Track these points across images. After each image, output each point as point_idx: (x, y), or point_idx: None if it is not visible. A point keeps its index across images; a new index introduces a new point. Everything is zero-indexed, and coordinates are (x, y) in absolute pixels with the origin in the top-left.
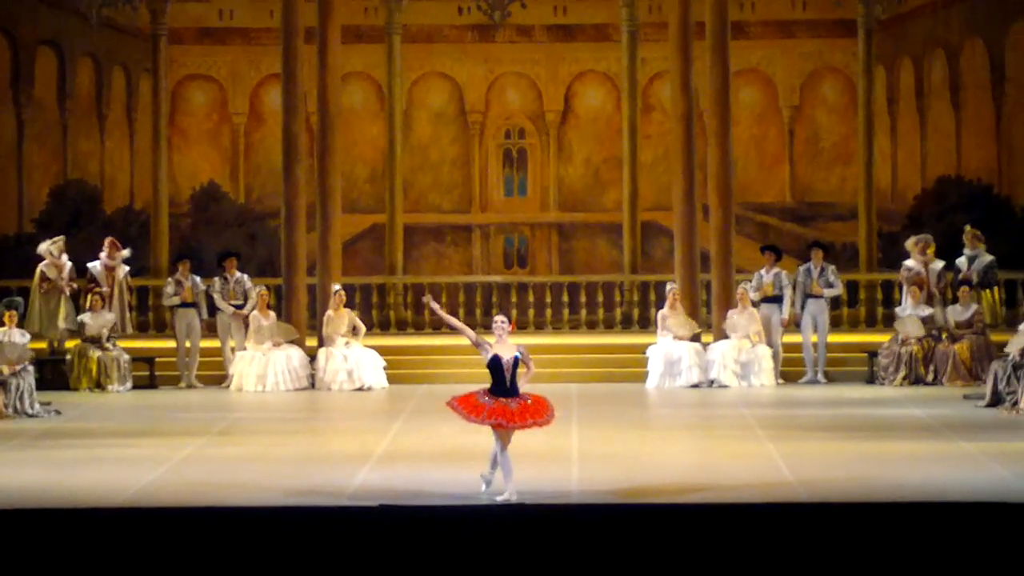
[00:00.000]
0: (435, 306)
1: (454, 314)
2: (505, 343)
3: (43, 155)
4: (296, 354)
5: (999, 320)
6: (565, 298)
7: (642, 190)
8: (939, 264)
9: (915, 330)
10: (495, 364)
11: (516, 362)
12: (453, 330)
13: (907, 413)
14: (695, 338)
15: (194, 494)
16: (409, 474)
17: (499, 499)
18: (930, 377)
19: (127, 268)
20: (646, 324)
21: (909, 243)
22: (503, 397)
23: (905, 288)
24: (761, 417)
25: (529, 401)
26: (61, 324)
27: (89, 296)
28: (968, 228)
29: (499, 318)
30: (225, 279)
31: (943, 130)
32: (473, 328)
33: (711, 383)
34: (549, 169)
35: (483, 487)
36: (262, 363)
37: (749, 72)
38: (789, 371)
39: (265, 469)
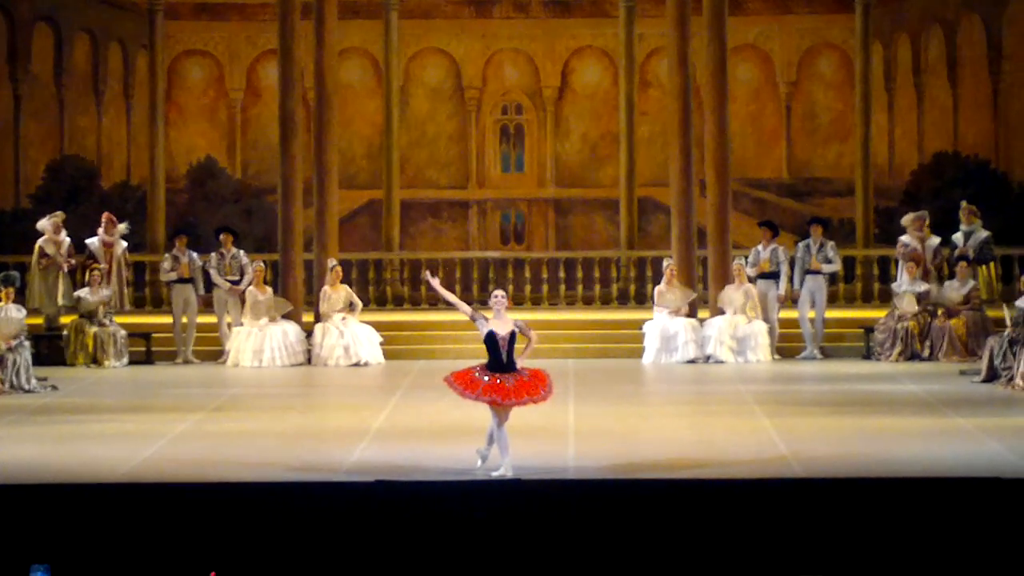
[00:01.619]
0: (434, 282)
1: (451, 290)
2: (503, 318)
3: (40, 131)
4: (292, 329)
5: (995, 296)
6: (562, 274)
7: (639, 166)
8: (935, 240)
9: (910, 306)
10: (491, 339)
11: (513, 337)
12: (450, 306)
13: (903, 389)
14: (692, 312)
15: (190, 469)
16: (406, 449)
17: (495, 474)
18: (926, 353)
19: (125, 244)
20: (642, 300)
21: (906, 219)
22: (499, 373)
23: (901, 264)
24: (757, 393)
25: (526, 376)
26: (60, 300)
27: (87, 272)
28: (964, 204)
29: (498, 292)
30: (222, 255)
31: (940, 106)
32: (469, 304)
33: (707, 359)
34: (546, 145)
35: (479, 462)
36: (258, 338)
37: (746, 48)
38: (785, 347)
39: (262, 444)
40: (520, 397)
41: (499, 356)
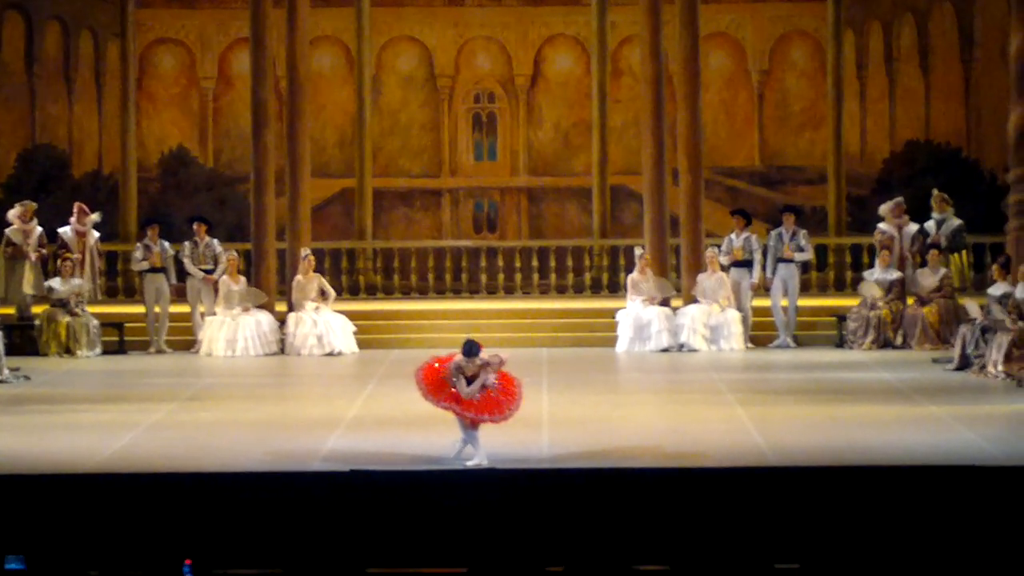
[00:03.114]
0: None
1: (424, 279)
2: (476, 366)
3: (10, 120)
4: (266, 319)
5: (967, 284)
6: (535, 262)
7: (611, 154)
8: (913, 227)
9: (874, 292)
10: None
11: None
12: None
13: (876, 377)
14: (665, 301)
15: (164, 459)
16: (380, 439)
17: (469, 464)
18: (899, 341)
19: (97, 234)
20: (615, 288)
21: (883, 208)
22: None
23: (877, 251)
24: (731, 381)
25: (494, 391)
26: (26, 289)
27: (59, 261)
28: (936, 192)
29: (469, 359)
30: (195, 244)
31: (912, 94)
32: (442, 292)
33: (681, 347)
34: (519, 133)
35: (456, 449)
36: (231, 328)
37: (718, 36)
38: (758, 335)
39: (235, 434)
40: (479, 412)
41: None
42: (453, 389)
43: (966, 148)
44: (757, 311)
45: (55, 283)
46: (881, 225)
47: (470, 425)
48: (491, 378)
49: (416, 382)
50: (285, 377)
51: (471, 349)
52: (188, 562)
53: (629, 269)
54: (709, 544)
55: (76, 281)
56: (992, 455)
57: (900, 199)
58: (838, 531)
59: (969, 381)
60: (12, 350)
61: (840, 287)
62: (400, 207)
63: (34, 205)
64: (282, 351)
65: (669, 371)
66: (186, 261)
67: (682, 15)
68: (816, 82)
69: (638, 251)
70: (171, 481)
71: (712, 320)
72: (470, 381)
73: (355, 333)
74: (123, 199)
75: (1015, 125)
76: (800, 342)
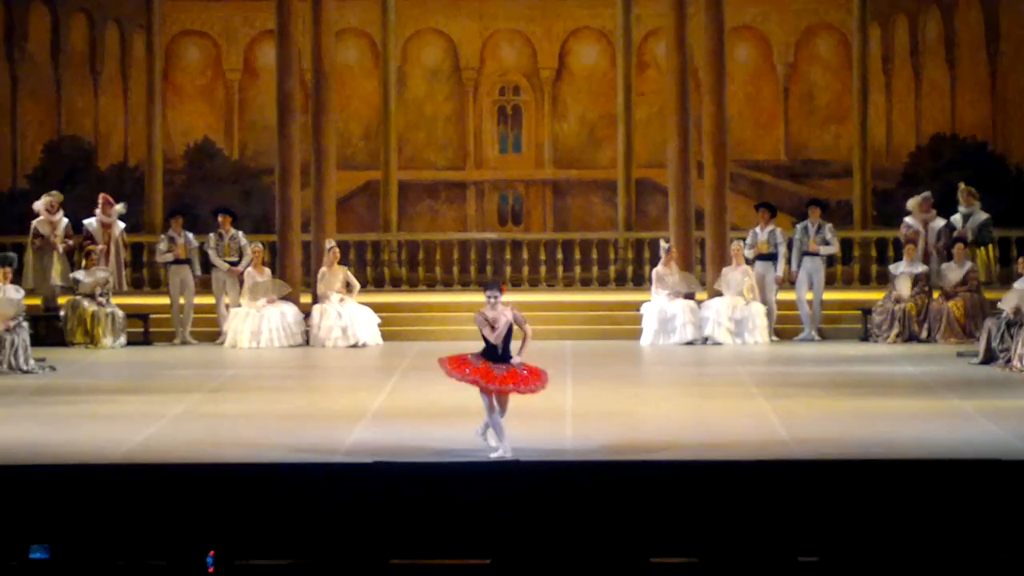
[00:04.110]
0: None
1: (449, 272)
2: (497, 310)
3: (37, 111)
4: (290, 311)
5: (993, 277)
6: (559, 255)
7: (637, 147)
8: (940, 222)
9: (903, 288)
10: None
11: (510, 330)
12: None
13: (901, 370)
14: (690, 294)
15: (189, 450)
16: (404, 431)
17: (493, 456)
18: (924, 334)
19: (123, 225)
20: (640, 281)
21: (911, 203)
22: (492, 361)
23: (903, 245)
24: (755, 374)
25: (520, 370)
26: (55, 280)
27: (85, 253)
28: (963, 185)
29: (489, 293)
30: (220, 236)
31: (938, 87)
32: (467, 285)
33: (705, 340)
34: (544, 126)
35: (481, 438)
36: (256, 320)
37: (744, 29)
38: (783, 328)
39: (260, 425)
40: (505, 384)
41: (494, 346)
42: (477, 365)
43: (992, 142)
44: (782, 304)
45: (80, 275)
46: (908, 219)
47: (495, 402)
48: (518, 359)
49: (440, 366)
50: (309, 369)
51: (491, 284)
52: (212, 553)
53: (654, 262)
54: (733, 537)
55: (101, 273)
56: (1017, 449)
57: (928, 194)
58: (862, 524)
59: (994, 375)
60: (37, 341)
61: (865, 281)
62: (425, 199)
63: (60, 196)
64: (307, 343)
65: (693, 364)
66: (211, 253)
67: (707, 8)
68: (842, 75)
69: (664, 244)
70: (195, 472)
71: (737, 313)
72: (494, 329)
73: (380, 325)
74: (148, 191)
75: None
76: (825, 335)
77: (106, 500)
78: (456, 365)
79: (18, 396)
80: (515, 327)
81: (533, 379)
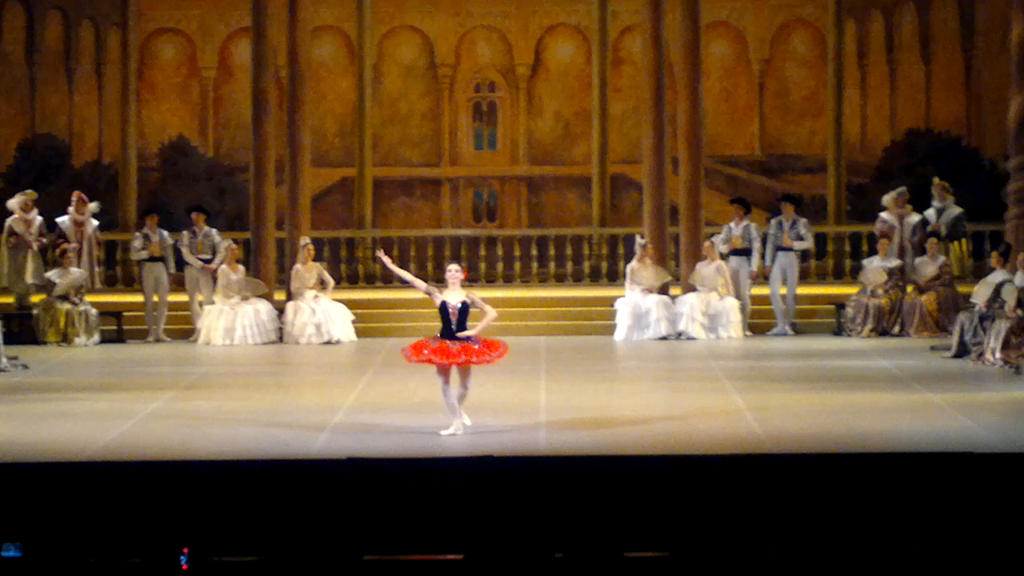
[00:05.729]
0: (386, 260)
1: (423, 269)
2: (456, 290)
3: (11, 109)
4: (264, 308)
5: (967, 272)
6: (534, 251)
7: (612, 143)
8: (915, 218)
9: (877, 279)
10: (443, 309)
11: (465, 308)
12: (405, 284)
13: (874, 364)
14: (664, 289)
15: (162, 448)
16: (377, 426)
17: (444, 432)
18: (897, 329)
19: (96, 223)
20: (614, 277)
21: (887, 198)
22: (447, 339)
23: (877, 240)
24: (729, 369)
25: (476, 345)
26: (28, 279)
27: (59, 251)
28: (936, 180)
29: (452, 266)
30: (194, 233)
31: (913, 83)
32: (442, 281)
33: (679, 335)
34: (519, 122)
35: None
36: (230, 317)
37: (719, 25)
38: (757, 323)
39: (233, 423)
40: (458, 357)
41: (450, 325)
42: (434, 346)
43: (966, 137)
44: (756, 299)
45: (54, 276)
46: (883, 214)
47: (451, 379)
48: (471, 296)
49: (401, 353)
50: (283, 365)
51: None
52: (186, 550)
53: (628, 258)
54: (706, 531)
55: (75, 272)
56: (989, 442)
57: (903, 189)
58: (836, 519)
59: (967, 369)
60: (11, 339)
61: (839, 275)
62: (400, 196)
63: (34, 195)
64: (280, 340)
65: (667, 359)
66: (184, 250)
67: (683, 4)
68: (817, 71)
69: (640, 240)
70: (169, 469)
71: (710, 309)
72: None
73: (354, 322)
74: (123, 188)
75: (1015, 114)
76: (798, 330)
77: (79, 498)
78: (415, 350)
79: None
80: (478, 311)
81: (489, 350)
